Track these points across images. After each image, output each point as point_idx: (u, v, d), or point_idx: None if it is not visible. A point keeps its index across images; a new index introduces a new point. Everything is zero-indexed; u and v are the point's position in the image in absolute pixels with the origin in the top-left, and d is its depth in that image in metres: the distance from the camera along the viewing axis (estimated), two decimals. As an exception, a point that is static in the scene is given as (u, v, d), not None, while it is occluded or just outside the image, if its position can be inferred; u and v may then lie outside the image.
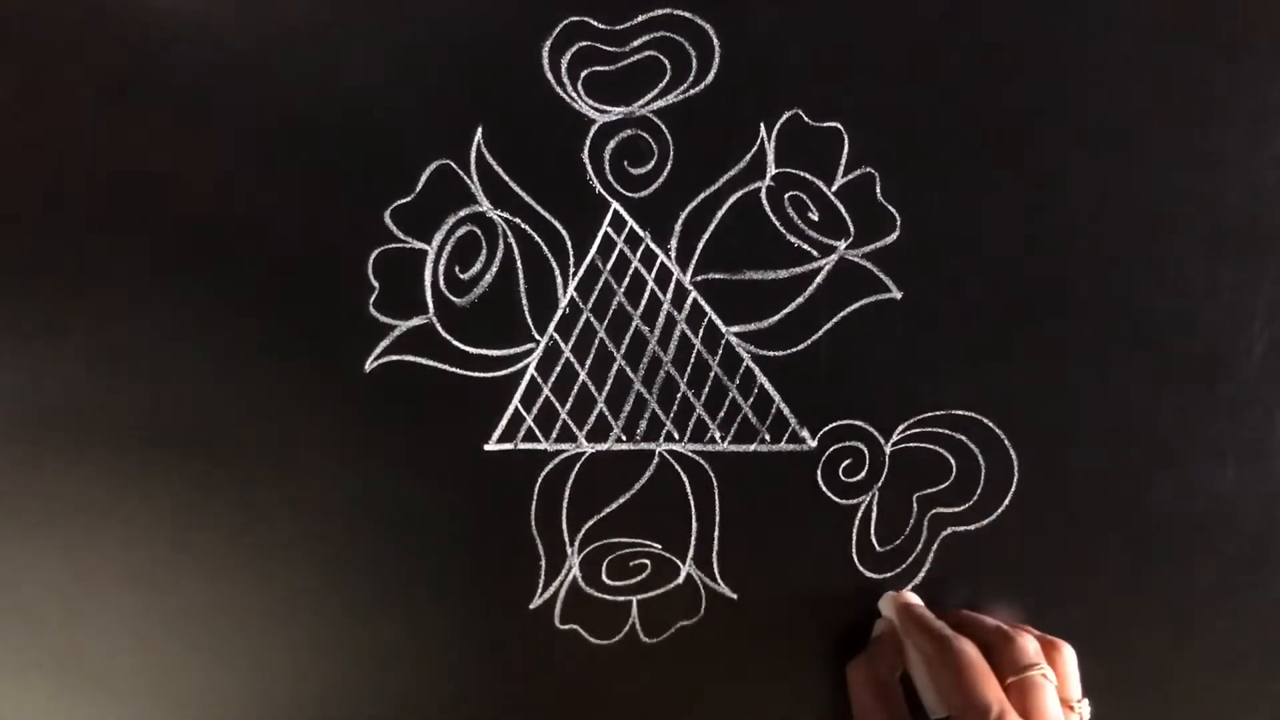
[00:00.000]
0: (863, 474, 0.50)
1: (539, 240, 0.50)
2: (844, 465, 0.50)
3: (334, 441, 0.50)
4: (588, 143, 0.49)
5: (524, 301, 0.50)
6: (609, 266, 0.50)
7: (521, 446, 0.50)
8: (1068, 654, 0.45)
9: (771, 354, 0.50)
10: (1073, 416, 0.49)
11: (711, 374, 0.50)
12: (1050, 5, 0.48)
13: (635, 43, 0.49)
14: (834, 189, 0.49)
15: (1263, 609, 0.49)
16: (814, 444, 0.50)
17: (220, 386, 0.50)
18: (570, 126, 0.49)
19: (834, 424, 0.50)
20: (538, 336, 0.50)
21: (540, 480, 0.50)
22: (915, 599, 0.49)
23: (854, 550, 0.50)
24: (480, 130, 0.49)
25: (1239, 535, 0.49)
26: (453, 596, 0.51)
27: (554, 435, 0.50)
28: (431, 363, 0.50)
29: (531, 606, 0.51)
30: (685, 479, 0.50)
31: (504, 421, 0.50)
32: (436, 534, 0.50)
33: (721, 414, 0.50)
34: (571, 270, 0.50)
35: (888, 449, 0.50)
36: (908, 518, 0.50)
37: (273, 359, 0.50)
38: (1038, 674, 0.42)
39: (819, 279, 0.49)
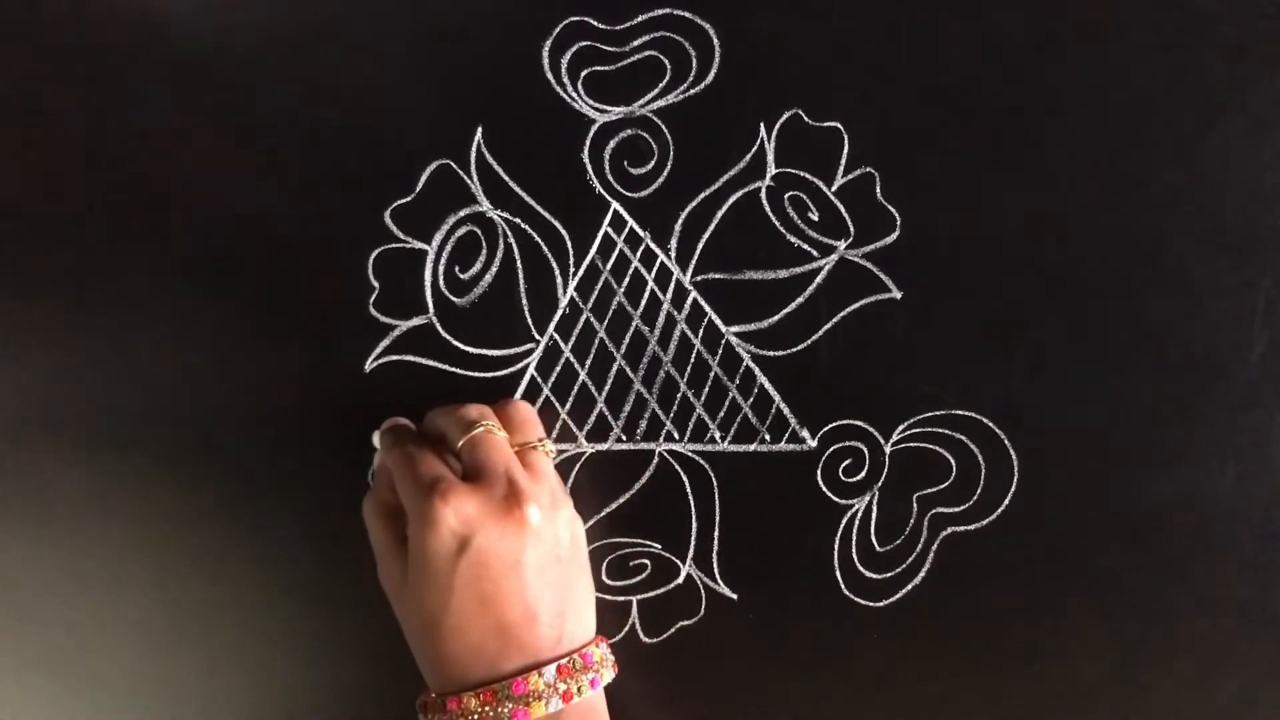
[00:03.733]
0: (863, 474, 0.50)
1: (539, 240, 0.50)
2: (844, 465, 0.50)
3: (334, 441, 0.50)
4: (588, 143, 0.49)
5: (524, 301, 0.50)
6: (609, 266, 0.50)
7: (521, 446, 0.50)
8: (518, 407, 0.47)
9: (771, 354, 0.50)
10: (1073, 416, 0.49)
11: (711, 374, 0.50)
12: (1051, 5, 0.48)
13: (635, 43, 0.49)
14: (834, 189, 0.49)
15: (1262, 609, 0.49)
16: (814, 444, 0.50)
17: (220, 386, 0.50)
18: (570, 126, 0.49)
19: (834, 424, 0.50)
20: (538, 336, 0.50)
21: (540, 480, 0.50)
22: (399, 421, 0.48)
23: (854, 550, 0.50)
24: (480, 130, 0.49)
25: (1239, 535, 0.49)
26: (453, 596, 0.50)
27: (554, 435, 0.50)
28: (431, 363, 0.50)
29: (531, 606, 0.51)
30: (685, 479, 0.50)
31: (504, 421, 0.50)
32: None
33: (721, 414, 0.50)
34: (571, 270, 0.50)
35: (888, 449, 0.50)
36: (908, 518, 0.50)
37: (273, 359, 0.50)
38: (482, 430, 0.44)
39: (819, 279, 0.49)
